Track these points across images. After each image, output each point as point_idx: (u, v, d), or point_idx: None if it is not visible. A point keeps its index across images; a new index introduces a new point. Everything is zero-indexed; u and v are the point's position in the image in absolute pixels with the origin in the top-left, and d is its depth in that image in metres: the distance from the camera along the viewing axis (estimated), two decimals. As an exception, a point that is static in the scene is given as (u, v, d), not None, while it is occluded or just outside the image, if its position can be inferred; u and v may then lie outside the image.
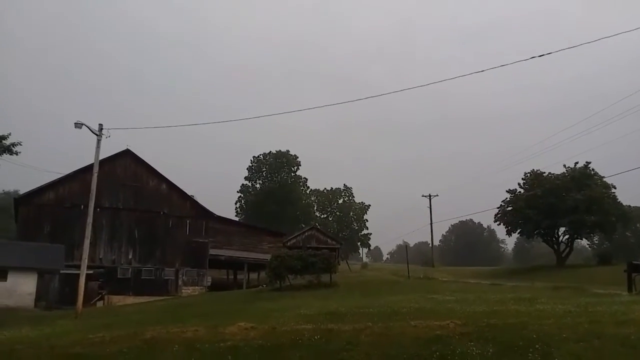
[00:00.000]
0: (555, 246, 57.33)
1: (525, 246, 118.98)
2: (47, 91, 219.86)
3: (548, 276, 41.10)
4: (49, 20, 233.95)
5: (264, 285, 33.26)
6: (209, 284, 43.66)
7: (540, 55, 17.06)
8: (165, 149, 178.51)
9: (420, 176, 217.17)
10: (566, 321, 10.75)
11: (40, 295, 32.58)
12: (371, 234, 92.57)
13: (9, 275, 31.68)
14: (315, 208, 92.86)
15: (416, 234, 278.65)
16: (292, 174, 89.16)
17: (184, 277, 42.50)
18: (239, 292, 33.81)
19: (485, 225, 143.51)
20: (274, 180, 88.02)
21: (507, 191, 58.97)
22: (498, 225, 62.36)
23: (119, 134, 25.23)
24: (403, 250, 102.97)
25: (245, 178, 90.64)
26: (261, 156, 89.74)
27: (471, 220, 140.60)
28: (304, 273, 27.47)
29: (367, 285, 27.41)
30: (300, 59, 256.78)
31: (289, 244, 42.18)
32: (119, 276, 40.26)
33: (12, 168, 47.36)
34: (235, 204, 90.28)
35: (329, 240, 44.02)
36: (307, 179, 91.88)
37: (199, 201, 46.63)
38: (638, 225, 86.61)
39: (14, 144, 38.58)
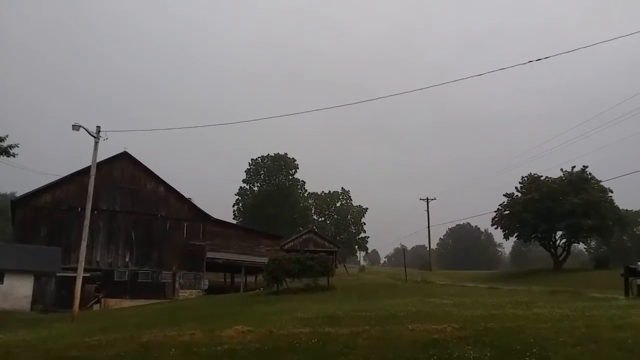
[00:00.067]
0: (553, 250, 57.37)
1: (522, 250, 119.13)
2: (45, 93, 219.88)
3: (545, 280, 41.13)
4: (47, 22, 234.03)
5: (262, 289, 33.20)
6: (206, 287, 43.59)
7: (537, 60, 17.21)
8: (163, 152, 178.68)
9: (418, 180, 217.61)
10: (563, 325, 10.76)
11: (36, 298, 32.46)
12: (369, 237, 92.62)
13: (5, 278, 31.57)
14: (313, 211, 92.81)
15: (414, 238, 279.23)
16: (290, 177, 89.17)
17: (181, 280, 42.41)
18: (236, 296, 33.75)
19: (482, 229, 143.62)
20: (271, 183, 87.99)
21: (504, 195, 59.03)
22: (495, 229, 62.30)
23: (116, 136, 25.19)
24: (400, 254, 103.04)
25: (243, 181, 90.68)
26: (259, 159, 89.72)
27: (469, 223, 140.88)
28: (302, 276, 27.43)
29: (364, 289, 27.40)
30: (300, 63, 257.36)
31: (286, 247, 41.99)
32: (115, 279, 40.18)
33: (9, 170, 47.32)
34: (233, 206, 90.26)
35: (327, 244, 43.80)
36: (305, 182, 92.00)
37: (196, 204, 46.63)
38: (635, 229, 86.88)
39: (11, 146, 38.47)
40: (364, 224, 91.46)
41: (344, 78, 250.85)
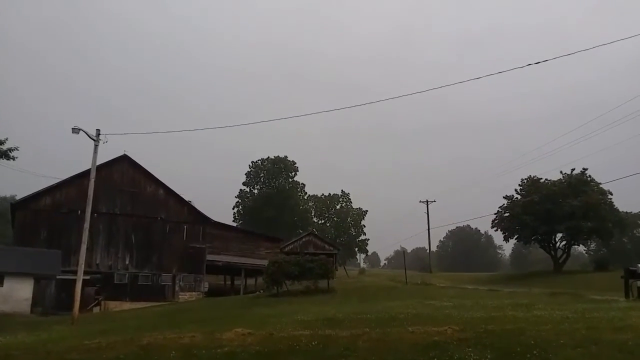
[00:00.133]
0: (553, 252, 57.39)
1: (522, 252, 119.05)
2: (44, 93, 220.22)
3: (545, 282, 41.10)
4: (47, 22, 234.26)
5: (261, 291, 33.17)
6: (206, 289, 43.55)
7: (537, 62, 17.24)
8: (163, 154, 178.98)
9: (418, 180, 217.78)
10: (564, 327, 10.76)
11: (36, 300, 32.44)
12: (369, 239, 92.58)
13: (5, 281, 31.56)
14: (312, 214, 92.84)
15: (414, 240, 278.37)
16: (290, 180, 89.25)
17: (181, 283, 42.38)
18: (236, 298, 33.70)
19: (482, 231, 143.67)
20: (271, 185, 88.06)
21: (504, 197, 59.10)
22: (495, 231, 62.41)
23: (116, 138, 25.26)
24: (400, 256, 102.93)
25: (244, 183, 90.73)
26: (259, 162, 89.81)
27: (469, 226, 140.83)
28: (302, 279, 27.41)
29: (364, 291, 27.36)
30: (300, 63, 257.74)
31: (286, 249, 42.01)
32: (115, 282, 40.15)
33: (8, 173, 47.32)
34: (233, 209, 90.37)
35: (327, 246, 43.85)
36: (304, 185, 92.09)
37: (196, 206, 46.64)
38: (635, 231, 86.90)
39: (11, 149, 38.39)
40: (364, 226, 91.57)
41: (344, 78, 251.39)
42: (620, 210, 58.02)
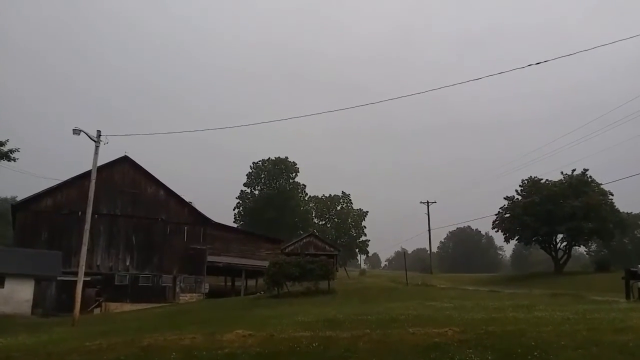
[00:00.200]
0: (553, 253, 57.38)
1: (523, 253, 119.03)
2: (45, 94, 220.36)
3: (546, 283, 41.08)
4: (47, 22, 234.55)
5: (262, 292, 33.17)
6: (207, 290, 43.56)
7: (537, 63, 17.29)
8: (163, 155, 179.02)
9: (418, 182, 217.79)
10: (564, 328, 10.75)
11: (37, 302, 32.45)
12: (369, 240, 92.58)
13: (6, 282, 31.56)
14: (313, 215, 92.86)
15: (414, 241, 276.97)
16: (291, 181, 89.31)
17: (181, 284, 42.39)
18: (236, 299, 33.70)
19: (483, 232, 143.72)
20: (272, 186, 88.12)
21: (504, 198, 59.10)
22: (496, 232, 62.42)
23: (116, 139, 25.32)
24: (401, 257, 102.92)
25: (244, 184, 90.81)
26: (260, 163, 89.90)
27: (469, 226, 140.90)
28: (302, 280, 27.41)
29: (365, 292, 27.35)
30: (300, 63, 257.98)
31: (287, 250, 42.09)
32: (116, 283, 40.17)
33: (9, 174, 47.39)
34: (234, 210, 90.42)
35: (327, 247, 43.92)
36: (305, 186, 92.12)
37: (197, 207, 46.66)
38: (636, 232, 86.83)
39: (12, 150, 38.47)
40: (365, 227, 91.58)
41: (344, 78, 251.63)
42: (621, 211, 58.03)
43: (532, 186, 56.38)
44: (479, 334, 10.37)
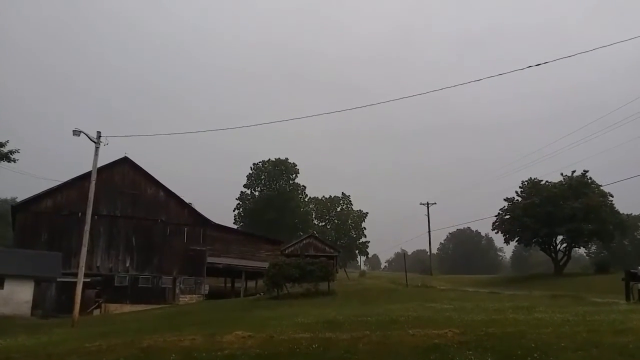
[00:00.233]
0: (553, 254, 57.35)
1: (523, 254, 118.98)
2: (44, 94, 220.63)
3: (546, 285, 41.07)
4: (47, 24, 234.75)
5: (262, 294, 33.15)
6: (207, 292, 43.52)
7: (537, 65, 17.25)
8: (163, 155, 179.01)
9: (418, 183, 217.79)
10: (564, 330, 10.75)
11: (37, 303, 32.42)
12: (369, 242, 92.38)
13: (5, 283, 31.53)
14: (313, 216, 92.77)
15: (414, 242, 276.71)
16: (291, 182, 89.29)
17: (181, 285, 42.36)
18: (236, 301, 33.69)
19: (483, 234, 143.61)
20: (272, 188, 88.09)
21: (504, 199, 59.09)
22: (496, 233, 62.36)
23: (117, 140, 25.30)
24: (401, 258, 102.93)
25: (244, 185, 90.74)
26: (260, 164, 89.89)
27: (469, 228, 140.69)
28: (302, 281, 27.41)
29: (365, 294, 27.35)
30: (300, 63, 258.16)
31: (286, 251, 42.01)
32: (116, 284, 40.13)
33: (9, 175, 47.39)
34: (234, 211, 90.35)
35: (327, 248, 43.84)
36: (305, 187, 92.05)
37: (197, 208, 46.65)
38: (636, 233, 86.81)
39: (12, 151, 38.58)
40: (365, 228, 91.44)
41: (344, 78, 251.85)
42: (621, 212, 57.99)
43: (532, 187, 56.39)
44: (479, 335, 10.37)
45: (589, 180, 53.96)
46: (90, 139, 24.18)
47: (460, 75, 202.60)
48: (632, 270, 21.09)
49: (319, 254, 39.25)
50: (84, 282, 24.92)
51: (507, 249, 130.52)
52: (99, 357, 10.77)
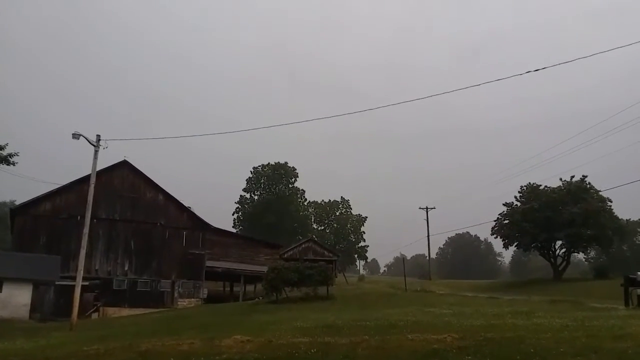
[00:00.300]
0: (552, 260, 57.28)
1: (522, 259, 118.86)
2: (44, 95, 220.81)
3: (545, 290, 41.01)
4: (47, 24, 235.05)
5: (261, 298, 33.11)
6: (205, 296, 43.43)
7: (535, 70, 17.35)
8: (163, 158, 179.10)
9: (418, 187, 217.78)
10: (563, 335, 10.74)
11: (35, 306, 32.35)
12: (368, 246, 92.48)
13: (4, 286, 31.47)
14: (312, 220, 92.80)
15: (413, 247, 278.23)
16: (290, 186, 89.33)
17: (180, 289, 42.27)
18: (235, 305, 33.63)
19: (482, 238, 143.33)
20: (272, 192, 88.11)
21: (503, 204, 59.07)
22: (495, 238, 62.30)
23: (116, 143, 25.27)
24: (400, 263, 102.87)
25: (244, 189, 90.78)
26: (260, 167, 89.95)
27: (468, 233, 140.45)
28: (301, 285, 27.38)
29: (364, 298, 27.32)
30: (300, 65, 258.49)
31: (285, 256, 42.03)
32: (114, 288, 40.05)
33: (8, 178, 47.35)
34: (233, 215, 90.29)
35: (326, 253, 43.89)
36: (304, 191, 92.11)
37: (196, 212, 46.57)
38: (635, 239, 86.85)
39: (11, 155, 38.49)
40: (364, 232, 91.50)
41: (343, 80, 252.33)
42: (620, 217, 58.06)
43: (531, 192, 56.38)
44: (477, 340, 10.36)
45: (588, 185, 53.98)
46: (90, 142, 24.19)
47: (460, 80, 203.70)
48: (631, 276, 21.06)
49: (318, 258, 39.27)
50: (83, 286, 24.87)
51: (506, 254, 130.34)
52: (97, 361, 10.75)
